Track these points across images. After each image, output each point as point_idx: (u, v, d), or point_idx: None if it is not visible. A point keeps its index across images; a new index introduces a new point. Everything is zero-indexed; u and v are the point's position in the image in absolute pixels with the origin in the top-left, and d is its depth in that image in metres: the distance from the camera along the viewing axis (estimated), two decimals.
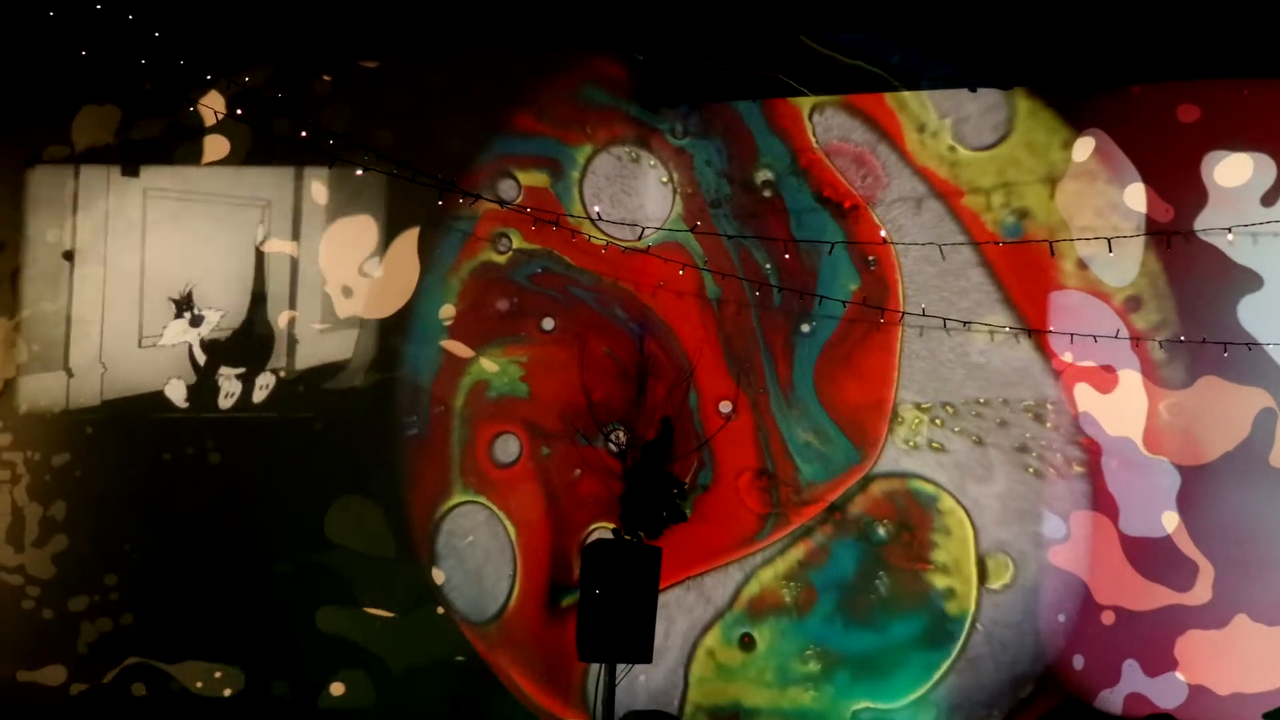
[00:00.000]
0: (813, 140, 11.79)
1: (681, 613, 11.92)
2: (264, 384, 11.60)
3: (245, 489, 11.49)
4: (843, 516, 11.71)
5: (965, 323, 11.07)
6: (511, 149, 11.88)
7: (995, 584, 11.35)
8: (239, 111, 10.50)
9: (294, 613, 11.43)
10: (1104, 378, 11.26)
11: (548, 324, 11.95)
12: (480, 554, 11.72)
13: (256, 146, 10.89)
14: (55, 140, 11.63)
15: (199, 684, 11.50)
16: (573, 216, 11.53)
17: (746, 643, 11.88)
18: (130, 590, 11.52)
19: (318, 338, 11.51)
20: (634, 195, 12.22)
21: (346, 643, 11.50)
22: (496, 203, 11.24)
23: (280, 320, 11.57)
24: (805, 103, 11.79)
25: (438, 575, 11.66)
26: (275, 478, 11.51)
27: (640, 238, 11.48)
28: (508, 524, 11.76)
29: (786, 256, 11.60)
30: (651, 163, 12.16)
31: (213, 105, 10.72)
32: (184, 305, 11.35)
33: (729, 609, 11.92)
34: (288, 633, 11.44)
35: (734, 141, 12.13)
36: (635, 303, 12.15)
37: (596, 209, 11.42)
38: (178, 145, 11.52)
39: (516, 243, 11.84)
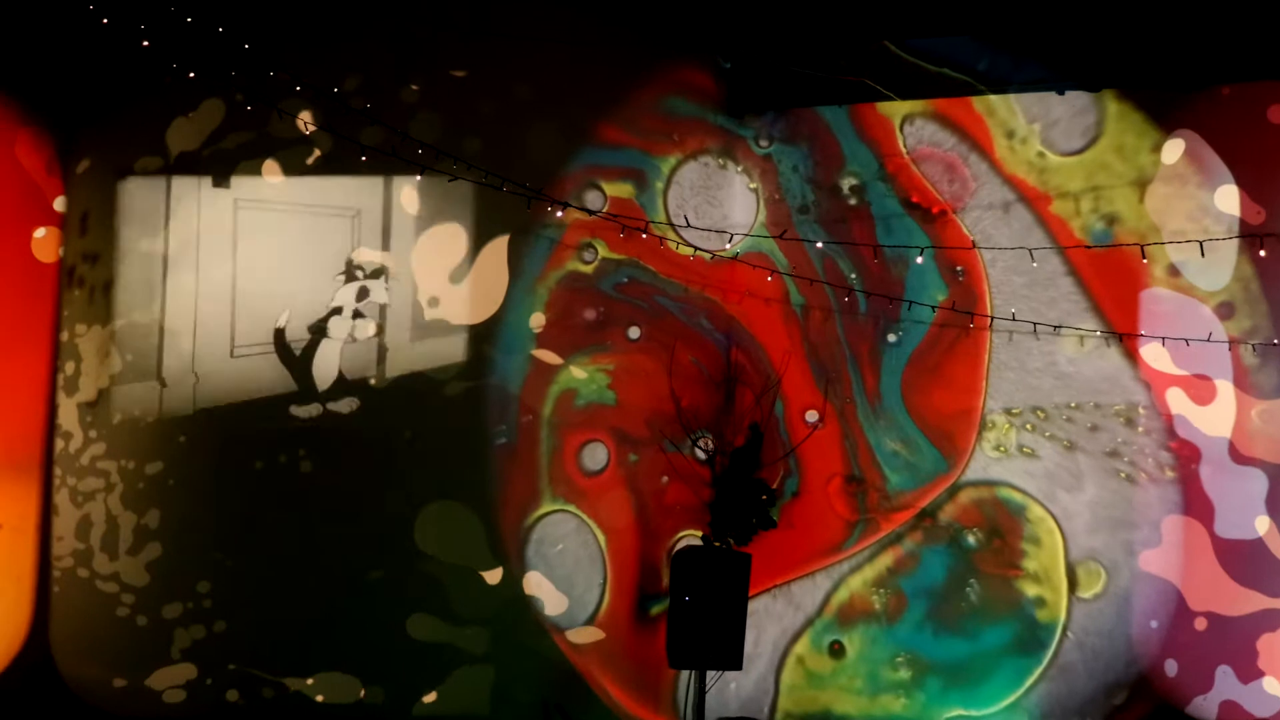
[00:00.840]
0: (901, 146, 11.74)
1: (771, 620, 11.90)
2: (355, 393, 11.56)
3: (336, 497, 11.49)
4: (932, 523, 11.63)
5: (1056, 327, 10.99)
6: (598, 160, 11.91)
7: (1086, 593, 11.29)
8: (329, 122, 10.51)
9: (386, 621, 11.42)
10: (1195, 383, 11.18)
11: (634, 333, 11.96)
12: (570, 561, 11.72)
13: (346, 156, 10.84)
14: (148, 152, 11.66)
15: (291, 691, 11.47)
16: (657, 224, 11.49)
17: (836, 650, 11.85)
18: (223, 598, 11.55)
19: (408, 346, 11.53)
20: (719, 204, 12.23)
21: (439, 650, 11.50)
22: (585, 211, 11.24)
23: (371, 329, 11.53)
24: (896, 113, 11.76)
25: (528, 583, 11.59)
26: (366, 486, 11.52)
27: (730, 244, 11.45)
28: (597, 531, 11.76)
29: (876, 261, 11.53)
30: (738, 170, 12.14)
31: (303, 115, 10.71)
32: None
33: (818, 616, 11.90)
34: (380, 640, 11.43)
35: (820, 148, 12.12)
36: (721, 311, 12.13)
37: (685, 216, 11.39)
38: (268, 155, 11.50)
39: (603, 252, 11.85)
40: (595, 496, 11.86)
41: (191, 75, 10.12)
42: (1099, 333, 11.19)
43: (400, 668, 11.48)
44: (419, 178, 10.87)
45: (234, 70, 10.16)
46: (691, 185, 12.16)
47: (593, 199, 11.77)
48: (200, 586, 11.55)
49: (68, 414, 11.71)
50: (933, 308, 11.36)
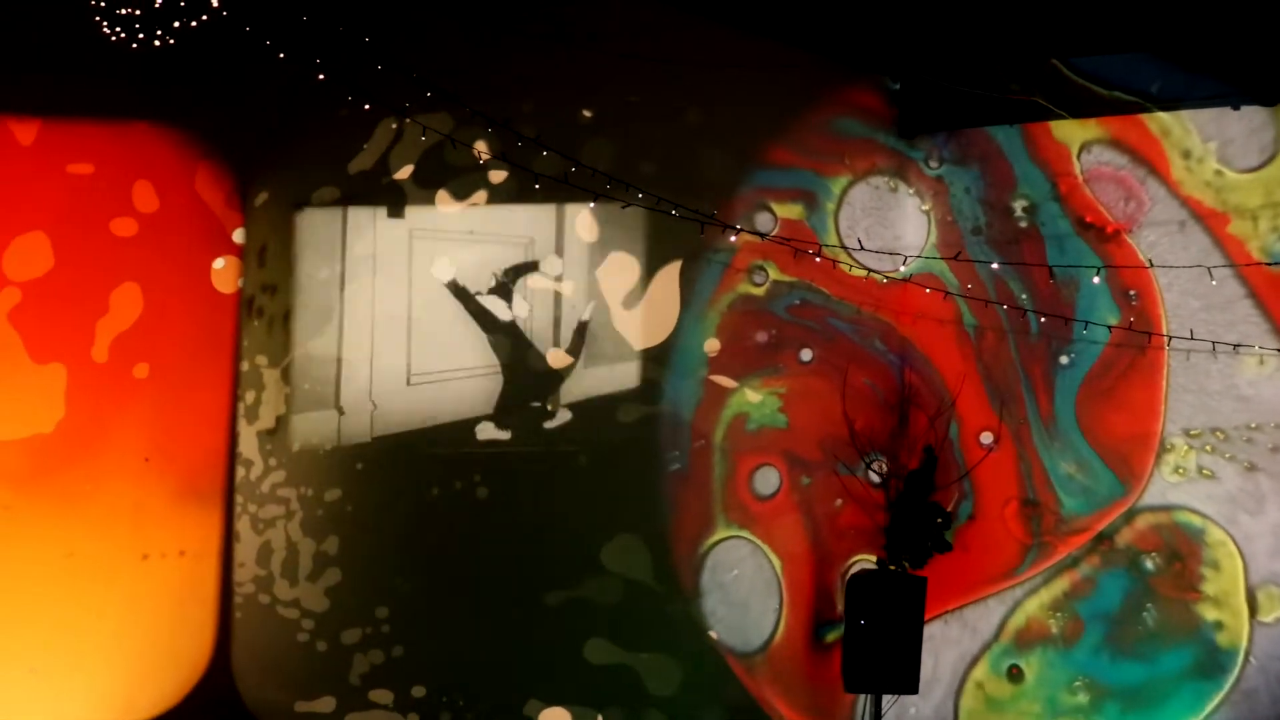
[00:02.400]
0: (1075, 167, 11.63)
1: (948, 645, 11.80)
2: (531, 419, 11.63)
3: (512, 523, 11.55)
4: (1109, 547, 11.50)
5: (1235, 345, 10.82)
6: (768, 182, 11.91)
7: (1267, 617, 11.08)
8: (503, 150, 10.57)
9: (563, 645, 11.44)
10: None
11: (806, 355, 11.95)
12: (746, 586, 11.71)
13: (519, 184, 10.91)
14: (324, 184, 11.81)
15: (467, 715, 11.54)
16: (828, 246, 11.47)
17: (1015, 674, 11.76)
18: (401, 623, 11.62)
19: (582, 372, 11.56)
20: (890, 225, 12.19)
21: (614, 675, 11.49)
22: (758, 235, 11.23)
23: (549, 357, 11.59)
24: (1073, 139, 11.62)
25: (704, 608, 11.59)
26: (542, 511, 11.55)
27: (904, 266, 11.40)
28: (772, 556, 11.76)
29: (1048, 283, 11.42)
30: (909, 191, 12.09)
31: (477, 145, 10.78)
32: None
33: (995, 640, 11.79)
34: (557, 665, 11.46)
35: (991, 169, 12.06)
36: (894, 333, 12.09)
37: (859, 239, 11.36)
38: (442, 184, 11.60)
39: (774, 274, 11.84)
40: (769, 521, 11.86)
41: (367, 107, 10.16)
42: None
43: (577, 692, 11.48)
44: (592, 205, 10.86)
45: (407, 101, 10.21)
46: (862, 206, 12.14)
47: (764, 221, 11.78)
48: (379, 612, 11.64)
49: (248, 442, 11.86)
50: (1109, 328, 11.19)
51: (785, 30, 11.71)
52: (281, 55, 10.06)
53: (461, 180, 11.65)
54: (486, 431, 11.67)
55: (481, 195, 11.64)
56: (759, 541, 11.77)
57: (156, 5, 9.98)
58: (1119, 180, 11.65)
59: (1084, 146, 11.68)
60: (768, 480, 11.87)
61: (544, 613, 11.52)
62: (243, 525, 11.80)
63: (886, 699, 11.66)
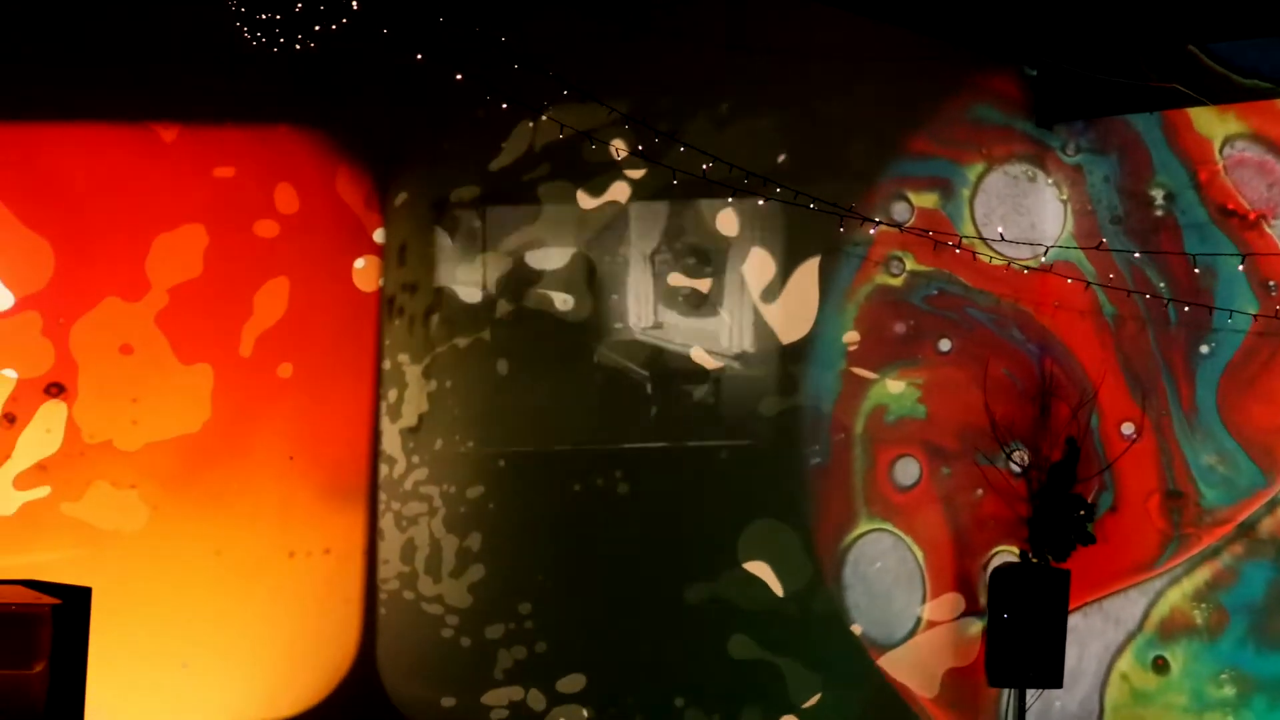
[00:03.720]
0: (1215, 154, 11.51)
1: (1093, 636, 11.74)
2: (673, 414, 11.66)
3: (653, 519, 11.57)
4: (1252, 537, 11.39)
5: None
6: (905, 171, 11.88)
7: None
8: (640, 147, 10.59)
9: (707, 640, 11.47)
10: None
11: (944, 345, 11.92)
12: (889, 579, 11.71)
13: (657, 181, 10.93)
14: (462, 183, 11.87)
15: (610, 710, 11.58)
16: (968, 238, 11.41)
17: (1160, 665, 11.67)
18: (544, 619, 11.69)
19: (722, 367, 11.57)
20: (1026, 213, 12.13)
21: (757, 670, 11.51)
22: (896, 226, 11.21)
23: (691, 353, 11.61)
24: (1214, 126, 11.50)
25: (846, 601, 11.59)
26: (684, 507, 11.58)
27: (1045, 255, 11.33)
28: (914, 548, 11.73)
29: (1196, 271, 11.32)
30: (1049, 181, 12.02)
31: (615, 142, 10.82)
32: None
33: (1139, 631, 11.71)
34: (700, 660, 11.50)
35: (1129, 157, 11.98)
36: (1032, 322, 12.03)
37: (1000, 230, 11.29)
38: (581, 182, 11.63)
39: (910, 264, 11.80)
40: (910, 512, 11.84)
41: (504, 106, 10.21)
42: None
43: (720, 687, 11.51)
44: (730, 200, 10.86)
45: (545, 99, 10.25)
46: (998, 194, 12.09)
47: (900, 210, 11.76)
48: (521, 608, 11.69)
49: (391, 440, 11.95)
50: (1254, 316, 11.07)
51: (920, 19, 11.65)
52: (419, 56, 10.12)
53: (600, 179, 11.59)
54: (628, 427, 11.65)
55: (622, 191, 11.57)
56: (901, 533, 11.75)
57: (296, 9, 10.03)
58: (1261, 166, 11.52)
59: (1227, 139, 11.49)
60: (908, 471, 11.85)
61: (686, 608, 11.55)
62: (386, 523, 11.88)
63: (1031, 693, 11.61)
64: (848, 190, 11.27)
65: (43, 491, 11.08)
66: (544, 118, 10.71)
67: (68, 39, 11.03)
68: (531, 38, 10.55)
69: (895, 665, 11.80)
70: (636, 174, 11.60)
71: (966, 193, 12.04)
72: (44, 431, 11.13)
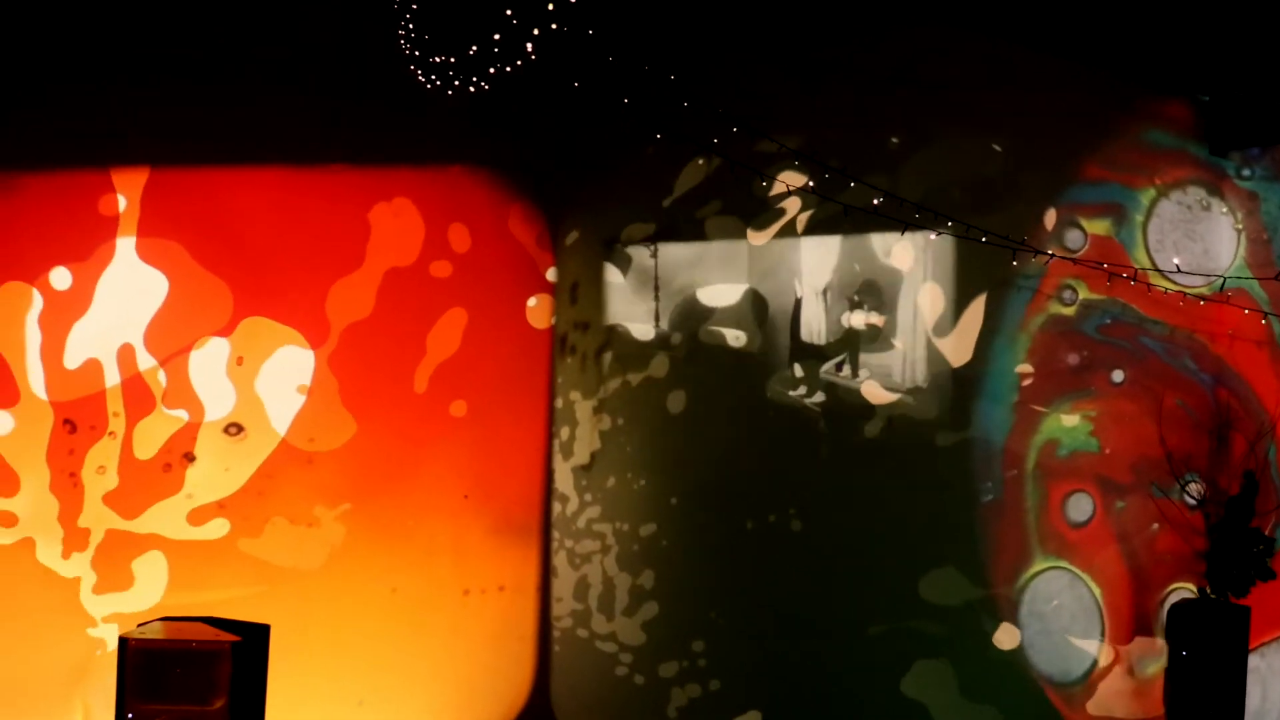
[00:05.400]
0: None
1: (1274, 676, 11.52)
2: (845, 450, 11.61)
3: (826, 555, 11.54)
4: None
5: None
6: (1076, 197, 11.76)
7: None
8: (811, 183, 10.56)
9: (880, 679, 11.40)
10: None
11: (1117, 376, 11.74)
12: (1066, 616, 11.57)
13: (829, 217, 10.90)
14: (632, 221, 11.93)
15: None
16: (1142, 269, 11.26)
17: None
18: (717, 656, 11.67)
19: (895, 402, 11.50)
20: (1198, 239, 11.95)
21: (933, 708, 11.43)
22: (1070, 259, 11.09)
23: (863, 388, 11.56)
24: None
25: (1023, 640, 11.47)
26: (857, 542, 11.52)
27: (1221, 286, 11.15)
28: (1092, 585, 11.56)
29: None
30: (1221, 207, 11.85)
31: (784, 177, 10.80)
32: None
33: None
34: (876, 698, 11.42)
35: None
36: (1206, 352, 11.85)
37: (1176, 260, 11.14)
38: (752, 218, 11.62)
39: (1083, 293, 11.67)
40: (1085, 548, 11.68)
41: (674, 144, 10.23)
42: None
43: None
44: (902, 235, 10.80)
45: (715, 137, 10.24)
46: (1171, 220, 11.93)
47: (1073, 238, 11.62)
48: (695, 645, 11.67)
49: (563, 478, 11.99)
50: None
51: (1090, 50, 11.52)
52: (589, 96, 10.14)
53: (770, 214, 11.57)
54: (800, 464, 11.61)
55: (793, 227, 11.55)
56: (1077, 570, 11.59)
57: (470, 52, 10.09)
58: None
59: None
60: (1080, 507, 11.70)
61: (861, 646, 11.49)
62: (560, 560, 11.93)
63: None
64: (1020, 219, 11.19)
65: (222, 529, 11.21)
66: (714, 155, 10.66)
67: (241, 85, 11.17)
68: (700, 76, 10.52)
69: (1072, 704, 11.62)
70: (807, 210, 11.50)
71: (1139, 218, 11.88)
72: (223, 470, 11.27)
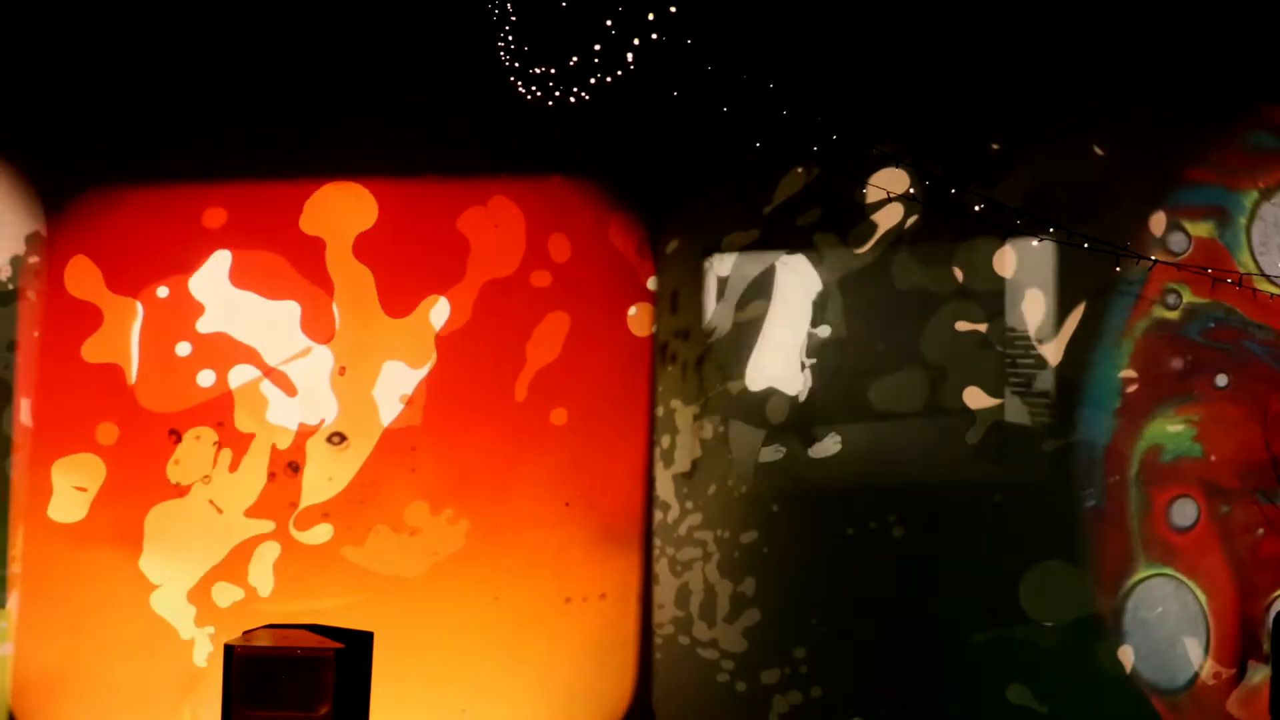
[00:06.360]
0: None
1: None
2: (946, 457, 11.57)
3: (928, 562, 11.50)
4: None
5: None
6: (1180, 200, 11.64)
7: None
8: (912, 190, 10.53)
9: (983, 686, 11.35)
10: None
11: (1221, 380, 11.63)
12: (1170, 622, 11.46)
13: (930, 223, 10.88)
14: (732, 229, 11.92)
15: None
16: (1247, 273, 11.17)
17: None
18: (819, 663, 11.65)
19: (996, 409, 11.46)
20: None
21: (1036, 716, 11.35)
22: (1174, 264, 11.00)
23: (965, 395, 11.52)
24: None
25: (1127, 648, 11.40)
26: (959, 550, 11.48)
27: None
28: (1196, 591, 11.47)
29: None
30: None
31: (884, 183, 10.76)
32: None
33: None
34: (976, 706, 11.38)
35: None
36: None
37: (1276, 260, 11.04)
38: (851, 226, 11.61)
39: (1187, 297, 11.57)
40: (1190, 554, 11.57)
41: (773, 152, 10.21)
42: None
43: None
44: (1005, 241, 10.76)
45: (814, 145, 10.23)
46: (1275, 222, 11.78)
47: (1176, 241, 11.52)
48: (796, 652, 11.66)
49: (664, 485, 11.99)
50: None
51: (1189, 54, 11.45)
52: (688, 106, 10.15)
53: (868, 221, 11.55)
54: (901, 471, 11.58)
55: (893, 235, 11.53)
56: (1182, 576, 11.50)
57: (570, 64, 10.13)
58: None
59: None
60: (1184, 512, 11.60)
61: (962, 653, 11.44)
62: (661, 567, 11.95)
63: None
64: (1124, 223, 11.08)
65: (325, 537, 11.31)
66: (814, 164, 10.66)
67: (337, 98, 11.27)
68: (799, 84, 10.50)
69: (1176, 710, 11.54)
70: (909, 217, 11.46)
71: (1243, 220, 11.76)
72: (326, 479, 11.36)
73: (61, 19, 11.59)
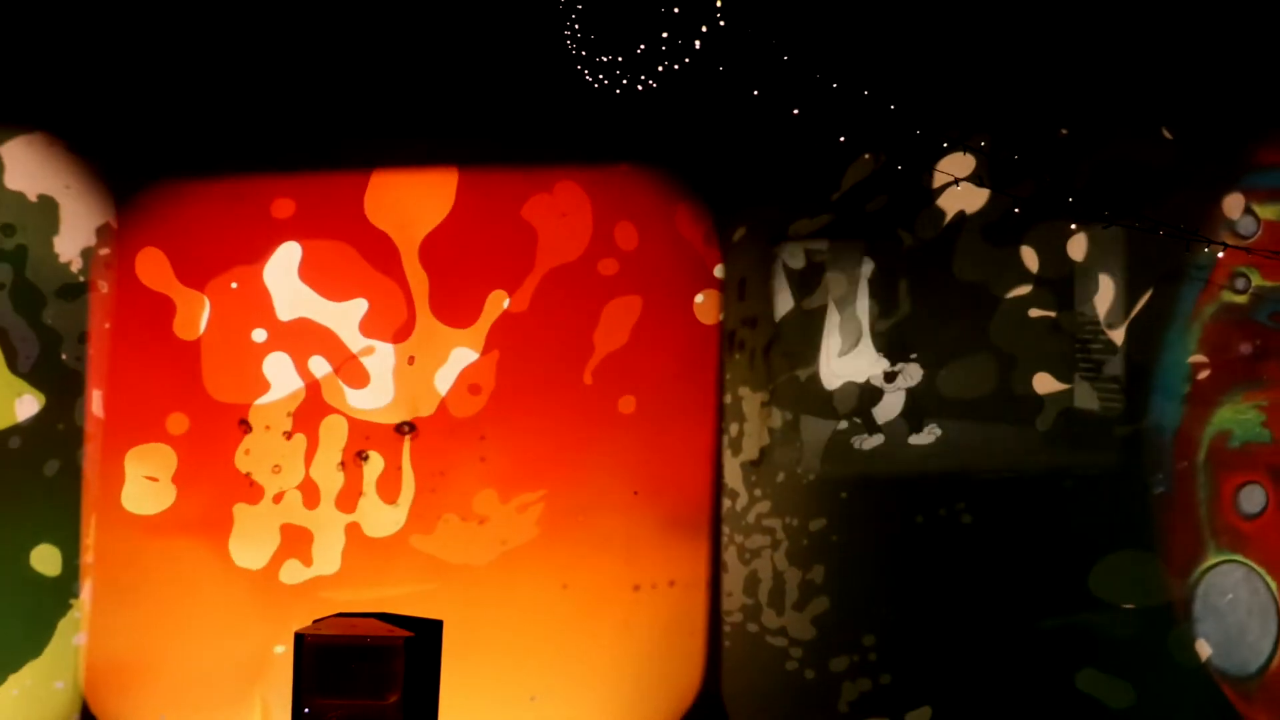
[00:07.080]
0: None
1: None
2: (1014, 444, 11.55)
3: (998, 549, 11.48)
4: None
5: None
6: (1249, 183, 11.56)
7: None
8: (979, 175, 10.51)
9: (1053, 673, 11.33)
10: None
11: None
12: (1241, 610, 11.40)
13: (996, 208, 10.86)
14: (799, 217, 11.94)
15: None
16: None
17: None
18: (888, 651, 11.64)
19: (1067, 396, 11.44)
20: None
21: (1107, 704, 11.34)
22: (1244, 249, 10.96)
23: (1034, 381, 11.50)
24: None
25: (1197, 634, 11.36)
26: (1029, 537, 11.45)
27: None
28: (1267, 578, 11.42)
29: None
30: None
31: (954, 171, 10.74)
32: None
33: None
34: (1047, 693, 11.35)
35: None
36: None
37: None
38: (918, 213, 11.59)
39: (1256, 280, 11.51)
40: (1260, 540, 11.51)
41: (841, 139, 10.21)
42: None
43: None
44: (1073, 226, 10.74)
45: (882, 133, 10.22)
46: None
47: (1246, 224, 11.45)
48: (866, 640, 11.66)
49: (732, 473, 12.01)
50: None
51: (1259, 34, 11.39)
52: (755, 93, 10.15)
53: (936, 207, 11.54)
54: (970, 458, 11.56)
55: (961, 219, 11.53)
56: (1252, 564, 11.45)
57: (637, 51, 10.14)
58: None
59: None
60: (1253, 498, 11.55)
61: (1033, 640, 11.40)
62: (730, 555, 11.96)
63: None
64: (1193, 207, 11.01)
65: (395, 526, 11.36)
66: (881, 151, 10.65)
67: (408, 85, 11.31)
68: (865, 69, 10.50)
69: (1248, 698, 11.49)
70: (978, 202, 11.45)
71: None
72: (394, 469, 11.40)
73: (130, 12, 11.64)
